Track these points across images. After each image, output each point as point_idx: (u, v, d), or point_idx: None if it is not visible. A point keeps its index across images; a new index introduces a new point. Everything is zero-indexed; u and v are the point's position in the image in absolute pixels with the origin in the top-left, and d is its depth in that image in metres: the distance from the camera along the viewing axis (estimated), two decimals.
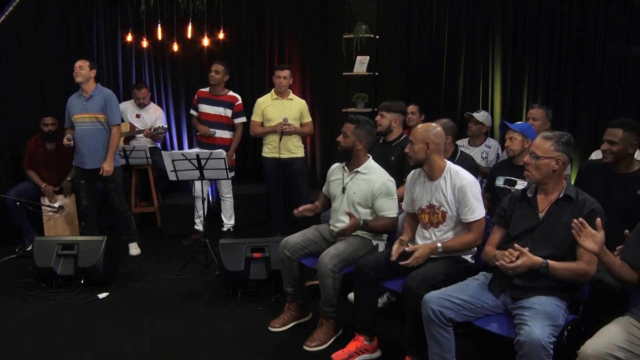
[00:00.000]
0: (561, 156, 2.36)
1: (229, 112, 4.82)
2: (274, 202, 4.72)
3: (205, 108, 4.81)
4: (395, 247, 2.75)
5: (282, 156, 4.56)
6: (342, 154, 3.15)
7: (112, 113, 4.27)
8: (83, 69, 4.18)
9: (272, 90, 4.62)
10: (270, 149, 4.60)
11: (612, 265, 2.11)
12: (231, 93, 4.87)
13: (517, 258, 2.23)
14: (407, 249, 2.68)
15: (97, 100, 4.25)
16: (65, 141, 4.24)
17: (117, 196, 4.40)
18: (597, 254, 2.08)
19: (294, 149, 4.60)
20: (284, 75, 4.47)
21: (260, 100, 4.66)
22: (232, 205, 4.99)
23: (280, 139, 4.48)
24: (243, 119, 4.89)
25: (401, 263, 2.63)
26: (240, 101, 4.87)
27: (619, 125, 2.84)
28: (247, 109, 6.02)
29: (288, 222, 4.57)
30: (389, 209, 3.04)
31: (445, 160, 2.81)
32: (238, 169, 5.35)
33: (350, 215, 2.98)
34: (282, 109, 4.52)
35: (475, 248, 2.77)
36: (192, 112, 4.95)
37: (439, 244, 2.67)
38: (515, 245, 2.26)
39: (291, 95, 4.64)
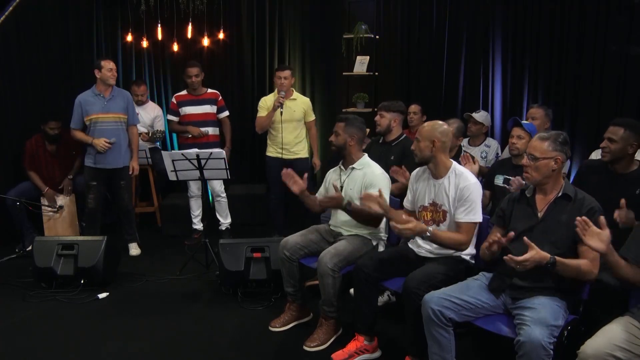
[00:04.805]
0: (559, 155, 2.36)
1: (214, 109, 4.82)
2: (274, 202, 4.68)
3: (191, 110, 4.75)
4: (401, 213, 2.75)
5: (286, 157, 4.53)
6: (336, 152, 3.21)
7: (133, 113, 4.41)
8: (116, 72, 4.29)
9: (275, 91, 4.48)
10: (274, 149, 4.58)
11: (617, 266, 2.06)
12: (210, 90, 4.85)
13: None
14: (403, 216, 2.64)
15: (119, 101, 4.31)
16: (103, 143, 4.16)
17: (127, 194, 4.44)
18: (605, 253, 2.02)
19: (298, 150, 4.57)
20: (284, 76, 4.38)
21: (265, 98, 4.60)
22: (226, 205, 4.96)
23: (282, 133, 4.44)
24: (227, 113, 4.91)
25: (392, 223, 2.58)
26: (221, 96, 4.88)
27: (621, 124, 2.85)
28: (248, 108, 6.01)
29: (287, 223, 4.55)
30: None
31: (452, 160, 2.81)
32: (238, 169, 5.35)
33: (335, 189, 2.98)
34: (286, 110, 4.40)
35: (475, 250, 2.76)
36: (172, 117, 4.81)
37: (430, 229, 2.61)
38: (525, 238, 2.20)
39: (295, 94, 4.58)
